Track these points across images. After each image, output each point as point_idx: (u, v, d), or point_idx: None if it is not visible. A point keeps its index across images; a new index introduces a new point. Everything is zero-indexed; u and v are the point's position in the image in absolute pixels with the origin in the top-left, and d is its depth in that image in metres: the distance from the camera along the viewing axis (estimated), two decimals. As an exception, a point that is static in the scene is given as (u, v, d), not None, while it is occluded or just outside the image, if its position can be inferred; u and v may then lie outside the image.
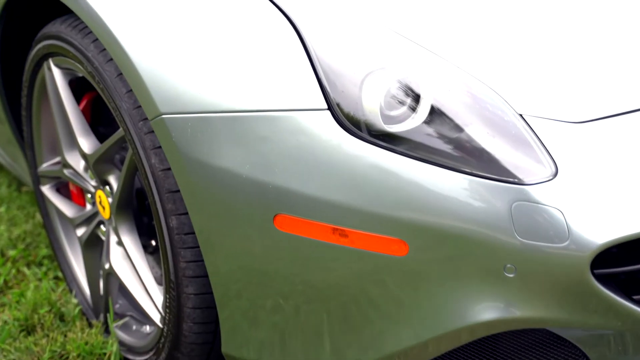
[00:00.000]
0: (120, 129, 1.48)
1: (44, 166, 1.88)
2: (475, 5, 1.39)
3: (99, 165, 1.63)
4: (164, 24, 1.34)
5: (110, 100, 1.46)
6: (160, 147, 1.38)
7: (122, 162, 1.68)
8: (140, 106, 1.40)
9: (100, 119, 1.80)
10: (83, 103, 1.76)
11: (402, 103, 1.24)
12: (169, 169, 1.38)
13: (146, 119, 1.39)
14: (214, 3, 1.32)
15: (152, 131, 1.39)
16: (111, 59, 1.45)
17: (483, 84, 1.24)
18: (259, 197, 1.27)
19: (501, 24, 1.36)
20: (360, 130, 1.22)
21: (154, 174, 1.40)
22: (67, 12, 1.60)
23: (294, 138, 1.24)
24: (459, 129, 1.22)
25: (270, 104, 1.25)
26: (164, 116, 1.32)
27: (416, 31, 1.28)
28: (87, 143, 1.64)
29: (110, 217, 1.66)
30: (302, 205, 1.24)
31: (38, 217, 2.26)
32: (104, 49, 1.47)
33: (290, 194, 1.24)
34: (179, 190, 1.38)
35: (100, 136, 1.72)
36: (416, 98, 1.23)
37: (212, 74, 1.28)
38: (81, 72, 1.56)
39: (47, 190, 1.90)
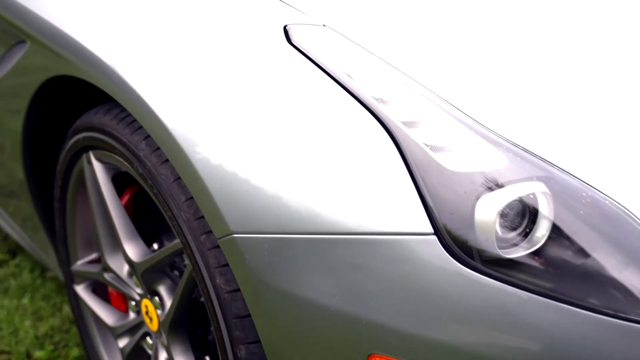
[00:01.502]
0: (177, 240, 1.32)
1: (79, 264, 1.72)
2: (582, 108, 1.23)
3: (147, 275, 1.46)
4: (238, 127, 1.17)
5: (166, 208, 1.30)
6: (226, 264, 1.22)
7: (172, 267, 1.52)
8: (203, 216, 1.24)
9: (144, 213, 1.64)
10: (126, 198, 1.60)
11: (518, 225, 1.07)
12: (238, 290, 1.21)
13: (210, 231, 1.23)
14: (300, 106, 1.16)
15: (218, 246, 1.22)
16: (167, 160, 1.30)
17: (611, 200, 1.08)
18: (350, 333, 1.10)
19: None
20: (472, 257, 1.05)
21: (218, 295, 1.23)
22: (107, 97, 1.45)
23: (392, 266, 1.07)
24: (585, 253, 1.05)
25: (364, 226, 1.08)
26: (235, 235, 1.16)
27: (528, 139, 1.12)
28: (133, 249, 1.48)
29: (159, 331, 1.49)
30: (401, 344, 1.08)
31: (66, 309, 2.09)
32: (158, 148, 1.31)
33: (388, 331, 1.08)
34: (249, 315, 1.21)
35: (145, 234, 1.56)
36: (534, 218, 1.07)
37: (295, 190, 1.12)
38: (129, 171, 1.40)
39: (81, 290, 1.73)
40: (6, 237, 2.46)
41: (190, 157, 1.19)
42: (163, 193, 1.30)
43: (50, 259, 2.00)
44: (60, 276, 1.93)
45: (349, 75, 1.16)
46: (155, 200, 1.33)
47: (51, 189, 1.78)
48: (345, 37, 1.21)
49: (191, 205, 1.26)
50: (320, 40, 1.20)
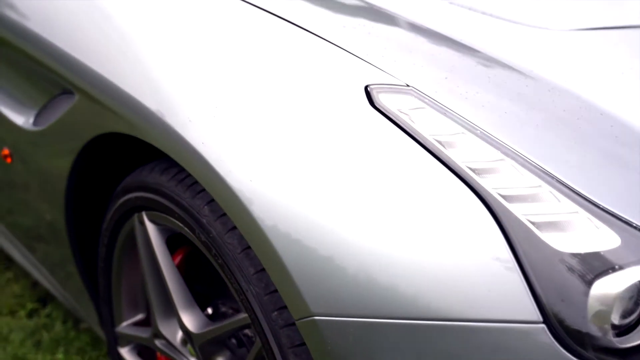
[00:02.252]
0: (244, 315, 1.23)
1: (124, 325, 1.63)
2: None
3: (206, 346, 1.37)
4: (317, 195, 1.08)
5: (233, 280, 1.21)
6: (302, 344, 1.13)
7: (230, 338, 1.43)
8: (275, 291, 1.15)
9: (197, 274, 1.55)
10: (178, 258, 1.51)
11: (634, 310, 0.98)
12: (314, 372, 1.12)
13: (283, 307, 1.14)
14: (387, 175, 1.07)
15: (291, 324, 1.14)
16: (234, 228, 1.21)
17: None
18: None
19: None
20: (584, 347, 0.97)
21: (292, 378, 1.14)
22: (159, 153, 1.37)
23: (496, 356, 0.98)
24: None
25: (463, 312, 0.99)
26: (316, 318, 1.07)
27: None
28: (190, 318, 1.39)
29: (217, 405, 1.40)
30: None
31: (103, 365, 2.00)
32: (224, 214, 1.23)
33: None
34: (327, 402, 1.12)
35: (198, 296, 1.47)
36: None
37: (385, 269, 1.03)
38: (190, 238, 1.31)
39: (127, 353, 1.64)
40: (35, 283, 2.37)
41: (263, 226, 1.11)
42: (229, 264, 1.21)
43: (83, 309, 1.92)
44: (96, 330, 1.84)
45: (438, 142, 1.07)
46: (220, 272, 1.24)
47: (91, 241, 1.70)
48: (432, 98, 1.12)
49: (262, 279, 1.18)
50: (405, 102, 1.12)
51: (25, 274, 2.40)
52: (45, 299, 2.32)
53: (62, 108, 1.53)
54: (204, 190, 1.27)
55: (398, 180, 1.06)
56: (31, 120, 1.66)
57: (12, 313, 2.26)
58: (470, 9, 1.39)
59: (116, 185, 1.60)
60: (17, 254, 2.18)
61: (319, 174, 1.09)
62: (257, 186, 1.12)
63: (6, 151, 1.78)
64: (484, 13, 1.39)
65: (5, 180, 1.91)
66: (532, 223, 1.00)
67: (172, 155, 1.26)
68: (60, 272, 1.88)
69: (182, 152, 1.22)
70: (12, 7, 1.61)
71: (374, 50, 1.20)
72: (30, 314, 2.25)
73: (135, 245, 1.50)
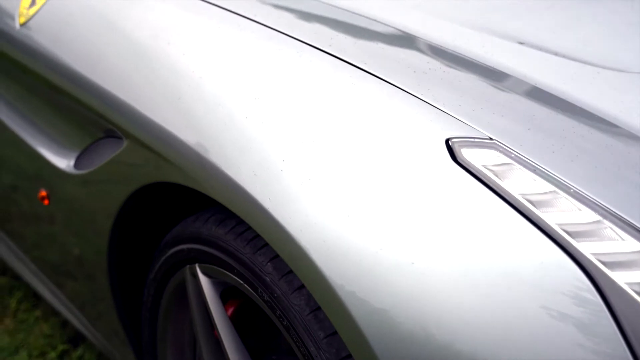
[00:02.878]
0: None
1: (170, 377, 1.56)
2: None
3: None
4: (394, 256, 1.02)
5: (300, 344, 1.14)
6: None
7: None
8: (350, 356, 1.09)
9: (250, 327, 1.48)
10: (230, 310, 1.44)
11: None
12: None
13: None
14: (472, 238, 1.00)
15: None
16: (302, 287, 1.14)
17: None
18: None
19: None
20: None
21: None
22: (211, 202, 1.30)
23: None
24: None
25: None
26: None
27: None
28: (247, 376, 1.32)
29: None
30: None
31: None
32: (290, 272, 1.16)
33: None
34: None
35: (252, 351, 1.40)
36: None
37: (473, 341, 0.96)
38: (251, 296, 1.24)
39: (172, 406, 1.57)
40: (65, 322, 2.31)
41: (336, 287, 1.04)
42: (296, 326, 1.14)
43: (117, 352, 1.86)
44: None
45: (529, 201, 1.00)
46: (286, 334, 1.17)
47: (132, 283, 1.64)
48: (518, 153, 1.05)
49: (333, 344, 1.11)
50: (489, 157, 1.05)
51: (55, 312, 2.34)
52: (76, 339, 2.25)
53: (108, 152, 1.47)
54: (266, 245, 1.20)
55: (484, 241, 0.99)
56: (72, 162, 1.60)
57: (43, 355, 2.20)
58: (542, 49, 1.33)
59: (160, 230, 1.54)
60: (45, 291, 2.12)
61: (396, 233, 1.02)
62: (330, 245, 1.05)
63: (44, 193, 1.72)
64: (556, 54, 1.32)
65: (39, 219, 1.85)
66: (638, 294, 0.93)
67: (234, 210, 1.19)
68: (92, 310, 1.82)
69: (245, 206, 1.16)
70: (56, 47, 1.56)
71: (450, 99, 1.14)
72: (61, 356, 2.19)
73: (184, 296, 1.43)
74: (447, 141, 1.06)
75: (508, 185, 1.02)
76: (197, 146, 1.23)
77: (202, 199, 1.39)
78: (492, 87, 1.19)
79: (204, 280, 1.35)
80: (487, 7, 1.46)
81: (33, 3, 1.66)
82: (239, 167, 1.16)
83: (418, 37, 1.32)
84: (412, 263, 1.00)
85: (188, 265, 1.38)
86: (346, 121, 1.12)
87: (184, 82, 1.28)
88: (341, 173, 1.08)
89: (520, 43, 1.35)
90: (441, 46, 1.30)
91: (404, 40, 1.32)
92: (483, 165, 1.04)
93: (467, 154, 1.05)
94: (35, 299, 2.42)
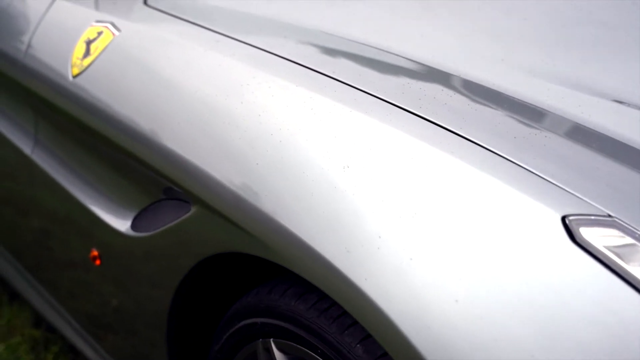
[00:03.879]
0: None
1: None
2: None
3: None
4: (514, 348, 0.94)
5: None
6: None
7: None
8: None
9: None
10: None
11: None
12: None
13: None
14: (591, 326, 0.92)
15: None
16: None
17: None
18: None
19: None
20: None
21: None
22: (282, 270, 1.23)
23: None
24: None
25: None
26: None
27: None
28: None
29: None
30: None
31: None
32: (384, 355, 1.08)
33: None
34: None
35: None
36: None
37: None
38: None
39: None
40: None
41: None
42: (391, 416, 1.06)
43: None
44: None
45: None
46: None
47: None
48: (641, 232, 0.98)
49: None
50: (610, 236, 0.97)
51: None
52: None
53: (171, 216, 1.40)
54: (355, 323, 1.12)
55: (612, 331, 0.91)
56: (129, 223, 1.53)
57: (84, 415, 2.11)
58: (645, 110, 1.25)
59: (223, 296, 1.47)
60: (86, 346, 2.05)
61: (512, 323, 0.94)
62: (435, 333, 0.97)
63: (95, 252, 1.65)
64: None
65: (87, 276, 1.78)
66: None
67: (320, 286, 1.12)
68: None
69: (335, 284, 1.08)
70: (112, 101, 1.49)
71: (558, 168, 1.06)
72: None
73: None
74: (563, 219, 0.99)
75: (634, 269, 0.94)
76: (277, 216, 1.16)
77: (269, 267, 1.32)
78: (601, 155, 1.12)
79: (279, 356, 1.27)
80: (576, 61, 1.39)
81: (87, 53, 1.60)
82: (327, 241, 1.09)
83: (510, 96, 1.25)
84: (532, 356, 0.92)
85: (261, 340, 1.30)
86: (448, 194, 1.05)
87: (260, 146, 1.21)
88: (446, 253, 1.00)
89: (619, 102, 1.27)
90: (536, 106, 1.23)
91: (495, 99, 1.25)
92: (604, 246, 0.96)
93: (586, 234, 0.97)
94: (73, 354, 2.35)
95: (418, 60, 1.35)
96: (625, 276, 0.94)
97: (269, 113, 1.24)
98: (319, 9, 1.58)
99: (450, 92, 1.24)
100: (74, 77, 1.61)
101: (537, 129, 1.15)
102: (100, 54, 1.57)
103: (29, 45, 1.78)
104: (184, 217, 1.35)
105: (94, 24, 1.64)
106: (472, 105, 1.22)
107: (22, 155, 1.85)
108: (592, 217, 0.99)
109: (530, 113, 1.21)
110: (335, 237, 1.08)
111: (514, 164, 1.06)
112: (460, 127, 1.14)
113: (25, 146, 1.85)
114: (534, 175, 1.04)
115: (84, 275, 1.77)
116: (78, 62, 1.61)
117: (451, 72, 1.31)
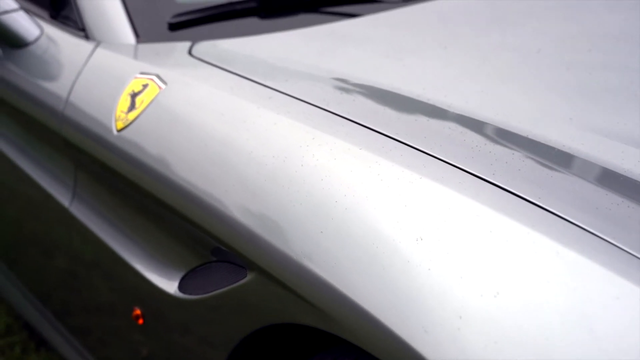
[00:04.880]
0: None
1: None
2: None
3: None
4: None
5: None
6: None
7: None
8: None
9: None
10: None
11: None
12: None
13: None
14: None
15: None
16: None
17: None
18: None
19: None
20: None
21: None
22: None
23: None
24: None
25: None
26: None
27: None
28: None
29: None
30: None
31: None
32: None
33: None
34: None
35: None
36: None
37: None
38: None
39: None
40: None
41: None
42: None
43: None
44: None
45: None
46: None
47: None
48: None
49: None
50: None
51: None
52: None
53: (224, 280, 1.36)
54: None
55: None
56: (176, 284, 1.48)
57: None
58: None
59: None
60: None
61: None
62: None
63: (138, 311, 1.61)
64: None
65: (127, 334, 1.74)
66: None
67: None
68: None
69: None
70: (160, 157, 1.46)
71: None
72: None
73: None
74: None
75: None
76: (346, 289, 1.11)
77: (328, 335, 1.27)
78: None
79: None
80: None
81: (132, 107, 1.56)
82: (403, 320, 1.04)
83: (584, 160, 1.20)
84: None
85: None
86: (532, 272, 1.00)
87: (325, 213, 1.17)
88: (533, 338, 0.95)
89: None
90: (613, 171, 1.18)
91: (569, 163, 1.20)
92: None
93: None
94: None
95: (482, 120, 1.30)
96: None
97: (332, 178, 1.20)
98: (373, 61, 1.55)
99: (522, 156, 1.20)
100: (119, 130, 1.57)
101: (619, 198, 1.10)
102: (146, 107, 1.54)
103: (69, 95, 1.74)
104: (239, 283, 1.30)
105: (139, 75, 1.60)
106: (546, 171, 1.17)
107: (60, 208, 1.82)
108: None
109: (608, 179, 1.16)
110: (411, 315, 1.03)
111: (601, 240, 1.01)
112: (538, 196, 1.09)
113: (64, 198, 1.82)
114: (625, 252, 0.99)
115: (125, 334, 1.73)
116: (123, 115, 1.57)
117: (518, 132, 1.27)
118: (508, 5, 1.77)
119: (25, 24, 1.92)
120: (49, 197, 1.86)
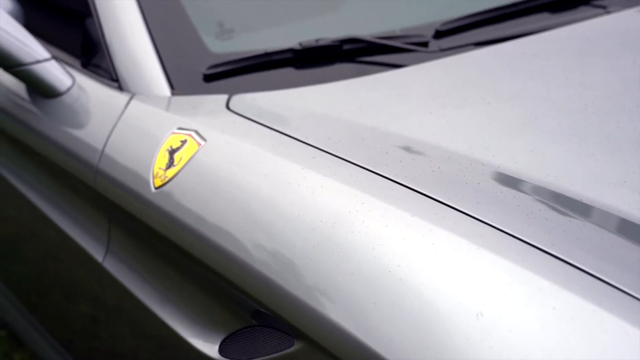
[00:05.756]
0: None
1: None
2: None
3: None
4: None
5: None
6: None
7: None
8: None
9: None
10: None
11: None
12: None
13: None
14: None
15: None
16: None
17: None
18: None
19: None
20: None
21: None
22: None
23: None
24: None
25: None
26: None
27: None
28: None
29: None
30: None
31: None
32: None
33: None
34: None
35: None
36: None
37: None
38: None
39: None
40: None
41: None
42: None
43: None
44: None
45: None
46: None
47: None
48: None
49: None
50: None
51: None
52: None
53: (268, 346, 1.33)
54: None
55: None
56: (216, 348, 1.46)
57: None
58: None
59: None
60: None
61: None
62: None
63: (177, 373, 1.58)
64: None
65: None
66: None
67: None
68: None
69: None
70: (200, 216, 1.44)
71: None
72: None
73: None
74: None
75: None
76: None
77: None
78: None
79: None
80: None
81: (171, 164, 1.55)
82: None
83: (641, 226, 1.18)
84: None
85: None
86: (601, 355, 0.97)
87: (378, 284, 1.14)
88: None
89: None
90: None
91: (630, 231, 1.17)
92: None
93: None
94: None
95: (534, 182, 1.28)
96: None
97: (384, 246, 1.18)
98: (416, 117, 1.53)
99: (580, 224, 1.17)
100: (157, 188, 1.55)
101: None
102: (185, 165, 1.52)
103: (104, 148, 1.73)
104: (286, 352, 1.28)
105: (177, 131, 1.59)
106: (606, 240, 1.15)
107: (93, 263, 1.80)
108: None
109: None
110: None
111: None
112: (601, 270, 1.06)
113: (97, 253, 1.80)
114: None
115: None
116: (161, 172, 1.56)
117: (573, 196, 1.24)
118: (549, 57, 1.76)
119: (58, 74, 1.91)
120: (81, 251, 1.85)
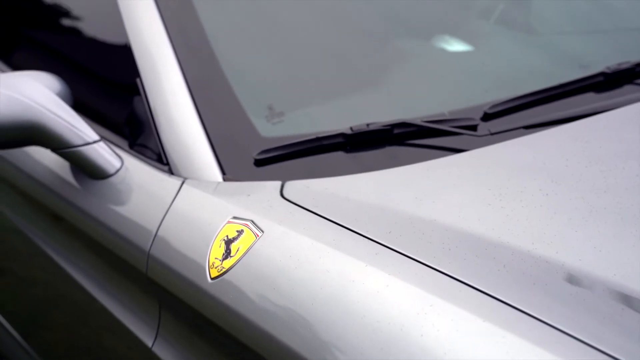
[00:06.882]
0: None
1: None
2: None
3: None
4: None
5: None
6: None
7: None
8: None
9: None
10: None
11: None
12: None
13: None
14: None
15: None
16: None
17: None
18: None
19: None
20: None
21: None
22: None
23: None
24: None
25: None
26: None
27: None
28: None
29: None
30: None
31: None
32: None
33: None
34: None
35: None
36: None
37: None
38: None
39: None
40: None
41: None
42: None
43: None
44: None
45: None
46: None
47: None
48: None
49: None
50: None
51: None
52: None
53: None
54: None
55: None
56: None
57: None
58: None
59: None
60: None
61: None
62: None
63: None
64: None
65: None
66: None
67: None
68: None
69: None
70: (260, 310, 1.44)
71: None
72: None
73: None
74: None
75: None
76: None
77: None
78: None
79: None
80: None
81: (228, 255, 1.56)
82: None
83: None
84: None
85: None
86: None
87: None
88: None
89: None
90: None
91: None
92: None
93: None
94: None
95: (602, 282, 1.28)
96: None
97: (457, 352, 1.18)
98: (475, 209, 1.53)
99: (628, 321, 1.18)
100: (213, 278, 1.56)
101: None
102: (242, 256, 1.53)
103: (156, 234, 1.74)
104: None
105: (232, 220, 1.60)
106: None
107: (142, 347, 1.80)
108: None
109: None
110: None
111: None
112: None
113: (147, 337, 1.80)
114: None
115: None
116: (217, 262, 1.57)
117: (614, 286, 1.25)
118: (602, 145, 1.76)
119: (107, 156, 1.94)
120: (129, 335, 1.85)
